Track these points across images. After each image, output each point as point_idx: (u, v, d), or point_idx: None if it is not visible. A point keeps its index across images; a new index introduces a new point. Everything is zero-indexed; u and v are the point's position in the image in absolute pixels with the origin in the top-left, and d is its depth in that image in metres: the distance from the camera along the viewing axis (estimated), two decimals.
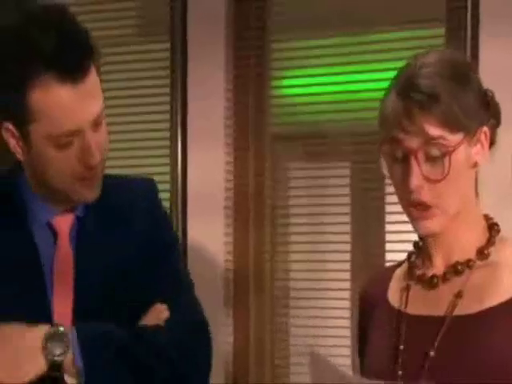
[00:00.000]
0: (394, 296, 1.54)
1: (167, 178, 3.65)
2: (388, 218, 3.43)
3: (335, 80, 3.57)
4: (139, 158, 3.44)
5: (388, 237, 3.50)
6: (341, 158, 3.59)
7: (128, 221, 1.70)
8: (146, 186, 1.78)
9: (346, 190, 3.59)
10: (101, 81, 1.59)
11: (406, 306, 1.48)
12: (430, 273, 1.48)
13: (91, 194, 1.62)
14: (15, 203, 1.64)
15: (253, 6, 3.62)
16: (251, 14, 3.62)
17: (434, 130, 1.38)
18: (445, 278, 1.46)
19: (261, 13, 3.63)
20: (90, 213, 1.67)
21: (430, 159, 1.39)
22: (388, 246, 3.50)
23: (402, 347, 1.44)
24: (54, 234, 1.65)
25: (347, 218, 3.58)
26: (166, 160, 3.68)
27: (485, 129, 1.43)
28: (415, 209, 1.44)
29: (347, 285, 3.53)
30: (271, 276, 3.62)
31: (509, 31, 3.20)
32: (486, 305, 1.41)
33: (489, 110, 1.45)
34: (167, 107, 3.70)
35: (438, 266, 1.49)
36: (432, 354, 1.41)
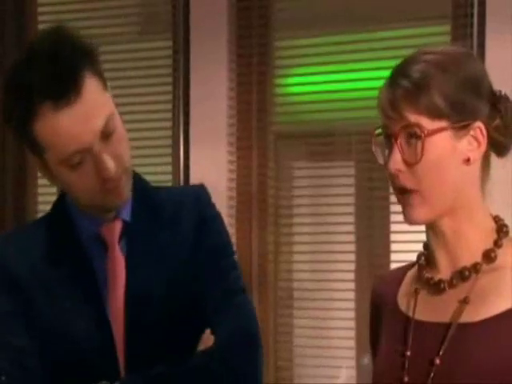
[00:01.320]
0: (403, 300, 1.52)
1: (169, 177, 3.64)
2: (393, 217, 3.40)
3: (339, 78, 3.54)
4: (141, 157, 3.42)
5: (393, 237, 3.47)
6: (345, 157, 3.56)
7: (176, 222, 1.70)
8: (196, 191, 1.77)
9: (351, 190, 3.57)
10: (106, 81, 1.59)
11: (413, 312, 1.46)
12: (437, 277, 1.46)
13: (117, 201, 1.62)
14: (66, 220, 1.69)
15: (255, 4, 3.60)
16: (254, 12, 3.60)
17: (411, 116, 1.38)
18: (451, 283, 1.44)
19: (264, 11, 3.61)
20: (137, 217, 1.69)
21: (410, 144, 1.39)
22: (393, 247, 3.48)
23: (408, 353, 1.42)
24: (104, 243, 1.67)
25: (351, 218, 3.56)
26: (169, 159, 3.67)
27: (479, 124, 1.40)
28: (400, 196, 1.43)
29: (352, 285, 3.51)
30: (275, 276, 3.61)
31: None
32: (492, 312, 1.38)
33: (494, 110, 1.42)
34: (169, 106, 3.69)
35: (445, 270, 1.46)
36: (437, 361, 1.39)
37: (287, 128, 3.73)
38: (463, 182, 1.42)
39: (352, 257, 3.56)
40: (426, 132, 1.37)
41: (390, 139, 1.43)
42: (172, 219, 1.70)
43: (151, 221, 1.69)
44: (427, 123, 1.38)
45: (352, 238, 3.57)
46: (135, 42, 3.81)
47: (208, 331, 1.64)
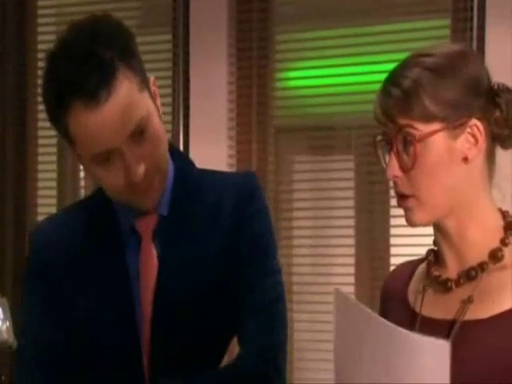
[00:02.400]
0: (412, 295, 1.51)
1: None
2: (393, 211, 3.40)
3: (339, 72, 3.54)
4: None
5: (393, 231, 3.47)
6: (345, 151, 3.56)
7: (215, 219, 1.63)
8: (243, 181, 1.68)
9: (351, 184, 3.57)
10: (144, 77, 1.54)
11: (421, 308, 1.46)
12: (444, 275, 1.45)
13: (148, 203, 1.58)
14: (104, 210, 1.66)
15: None
16: (254, 5, 3.59)
17: (404, 122, 1.38)
18: (458, 282, 1.43)
19: (264, 5, 3.60)
20: (174, 212, 1.62)
21: (406, 150, 1.38)
22: (393, 240, 3.48)
23: None
24: (139, 236, 1.62)
25: (351, 212, 3.56)
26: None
27: (474, 122, 1.38)
28: (400, 201, 1.43)
29: (351, 279, 3.51)
30: None
31: None
32: (497, 310, 1.37)
33: (493, 104, 1.41)
34: (169, 100, 3.68)
35: (452, 269, 1.45)
36: None
37: (287, 122, 3.72)
38: (463, 181, 1.40)
39: (352, 250, 3.56)
40: (417, 136, 1.36)
41: (389, 146, 1.42)
42: (211, 213, 1.63)
43: (189, 215, 1.63)
44: (421, 127, 1.37)
45: (352, 231, 3.56)
46: (135, 36, 3.80)
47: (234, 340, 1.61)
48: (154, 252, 1.61)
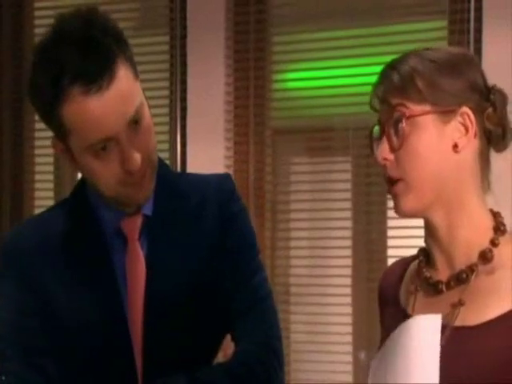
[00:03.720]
0: (403, 296, 1.51)
1: None
2: (390, 213, 3.40)
3: (336, 74, 3.54)
4: None
5: (390, 232, 3.47)
6: (342, 152, 3.56)
7: (199, 219, 1.63)
8: (221, 182, 1.70)
9: (348, 185, 3.57)
10: (137, 69, 1.54)
11: (412, 312, 1.45)
12: (435, 277, 1.45)
13: (141, 196, 1.57)
14: (87, 209, 1.63)
15: None
16: (251, 7, 3.59)
17: (395, 99, 1.40)
18: (449, 285, 1.42)
19: (261, 6, 3.60)
20: (159, 212, 1.62)
21: (396, 131, 1.40)
22: (390, 242, 3.48)
23: None
24: (124, 237, 1.61)
25: (349, 214, 3.56)
26: (166, 155, 3.66)
27: (465, 110, 1.39)
28: (389, 187, 1.43)
29: (348, 281, 3.51)
30: (272, 272, 3.60)
31: None
32: (489, 315, 1.36)
33: (487, 100, 1.41)
34: (166, 101, 3.68)
35: (443, 270, 1.45)
36: None
37: (284, 123, 3.72)
38: (451, 171, 1.40)
39: (349, 252, 3.56)
40: (407, 113, 1.38)
41: (382, 131, 1.43)
42: (195, 213, 1.64)
43: (173, 215, 1.63)
44: (412, 106, 1.39)
45: (349, 233, 3.56)
46: (132, 38, 3.74)
47: (228, 338, 1.60)
48: (141, 252, 1.61)
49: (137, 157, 1.50)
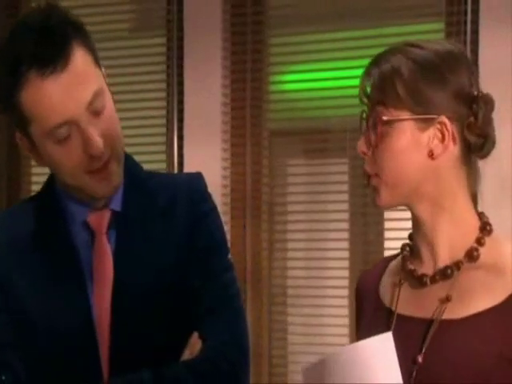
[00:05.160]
0: (385, 291, 1.53)
1: None
2: (387, 215, 3.40)
3: (333, 75, 3.54)
4: (135, 154, 3.39)
5: (387, 234, 3.48)
6: (339, 154, 3.56)
7: (168, 217, 1.64)
8: (189, 181, 1.70)
9: (345, 187, 3.57)
10: (97, 58, 1.56)
11: (396, 305, 1.47)
12: (420, 270, 1.47)
13: (105, 187, 1.58)
14: (53, 206, 1.63)
15: (250, 0, 3.59)
16: (248, 8, 3.59)
17: (374, 98, 1.43)
18: (434, 279, 1.45)
19: (258, 8, 3.60)
20: (130, 207, 1.63)
21: (374, 129, 1.43)
22: (386, 244, 3.48)
23: None
24: (91, 232, 1.61)
25: (345, 215, 3.56)
26: (163, 156, 3.66)
27: (443, 119, 1.40)
28: (367, 180, 1.47)
29: (345, 283, 3.51)
30: (269, 273, 3.61)
31: (509, 26, 3.17)
32: (474, 309, 1.39)
33: (469, 109, 1.42)
34: (163, 103, 3.68)
35: (428, 263, 1.47)
36: (420, 359, 1.39)
37: (281, 125, 3.72)
38: (426, 174, 1.42)
39: (346, 254, 3.56)
40: (383, 119, 1.40)
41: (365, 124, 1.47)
42: (165, 211, 1.64)
43: (143, 212, 1.63)
44: (390, 110, 1.41)
45: (346, 235, 3.56)
46: (129, 39, 3.80)
47: (195, 335, 1.60)
48: (109, 247, 1.61)
49: (98, 140, 1.51)
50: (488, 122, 1.44)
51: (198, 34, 3.61)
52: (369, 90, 1.43)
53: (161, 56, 3.70)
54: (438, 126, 1.41)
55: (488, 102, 1.44)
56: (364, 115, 1.46)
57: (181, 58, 3.65)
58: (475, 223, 1.46)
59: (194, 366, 1.56)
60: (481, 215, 1.48)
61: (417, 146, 1.41)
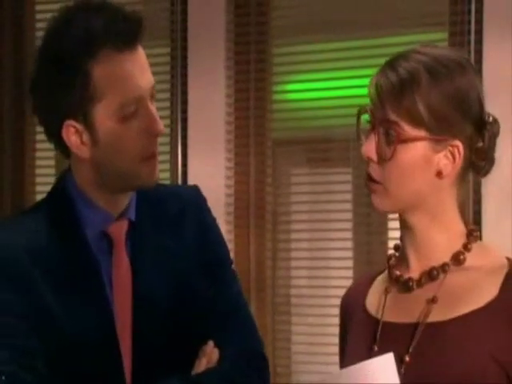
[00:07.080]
0: (372, 302, 1.53)
1: (167, 184, 3.64)
2: (390, 224, 3.40)
3: (337, 85, 3.55)
4: None
5: (390, 243, 3.47)
6: (343, 163, 3.56)
7: (179, 227, 1.66)
8: (193, 194, 1.73)
9: (349, 196, 3.57)
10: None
11: (382, 313, 1.48)
12: (406, 275, 1.48)
13: (153, 177, 1.60)
14: (70, 214, 1.61)
15: (253, 11, 3.60)
16: (251, 18, 3.60)
17: (392, 114, 1.40)
18: (420, 282, 1.46)
19: (261, 18, 3.61)
20: (142, 217, 1.64)
21: (387, 139, 1.42)
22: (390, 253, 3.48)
23: (376, 349, 1.43)
24: (110, 241, 1.61)
25: (349, 225, 3.56)
26: (167, 166, 3.66)
27: (457, 143, 1.41)
28: (368, 182, 1.46)
29: None
30: (272, 283, 3.60)
31: None
32: (459, 312, 1.41)
33: (479, 134, 1.43)
34: (167, 112, 3.69)
35: (415, 269, 1.48)
36: (407, 359, 1.40)
37: (285, 134, 3.73)
38: (431, 191, 1.44)
39: (350, 263, 3.56)
40: (401, 137, 1.39)
41: (372, 124, 1.45)
42: (175, 220, 1.66)
43: (155, 220, 1.64)
44: (406, 127, 1.40)
45: (350, 244, 3.57)
46: None
47: (211, 343, 1.61)
48: (127, 257, 1.61)
49: (160, 122, 1.57)
50: (494, 146, 1.46)
51: (202, 43, 3.62)
52: (384, 95, 1.41)
53: (165, 65, 3.71)
54: (451, 149, 1.42)
55: (496, 125, 1.46)
56: (367, 115, 1.46)
57: (185, 67, 3.66)
58: (462, 230, 1.48)
59: (224, 374, 1.58)
60: (466, 223, 1.50)
61: (427, 165, 1.42)
